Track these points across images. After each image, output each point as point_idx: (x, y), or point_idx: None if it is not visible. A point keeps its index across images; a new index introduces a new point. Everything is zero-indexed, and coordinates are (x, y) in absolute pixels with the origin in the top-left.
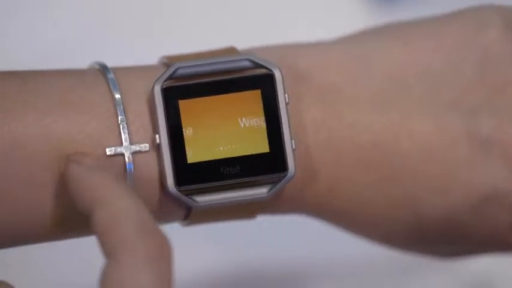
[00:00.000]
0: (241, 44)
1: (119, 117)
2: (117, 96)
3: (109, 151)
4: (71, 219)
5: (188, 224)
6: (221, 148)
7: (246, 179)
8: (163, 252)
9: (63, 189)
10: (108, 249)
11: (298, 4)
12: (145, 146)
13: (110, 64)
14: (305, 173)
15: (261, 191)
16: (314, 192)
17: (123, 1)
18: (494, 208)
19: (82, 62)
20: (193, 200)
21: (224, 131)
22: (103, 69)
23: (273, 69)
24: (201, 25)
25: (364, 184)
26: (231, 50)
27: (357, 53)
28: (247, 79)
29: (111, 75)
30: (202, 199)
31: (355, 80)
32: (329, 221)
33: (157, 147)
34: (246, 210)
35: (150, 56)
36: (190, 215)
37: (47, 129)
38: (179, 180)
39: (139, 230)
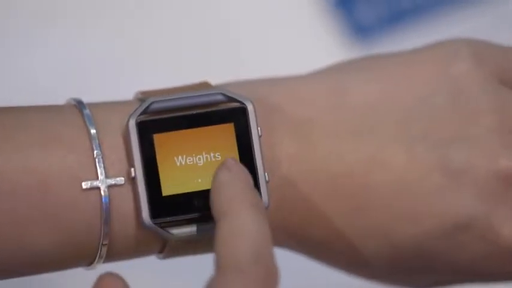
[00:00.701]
0: (215, 80)
1: (95, 152)
2: (93, 131)
3: (85, 185)
4: (55, 250)
5: (164, 257)
6: (195, 181)
7: None
8: (270, 281)
9: (46, 223)
10: (219, 261)
11: (274, 39)
12: (120, 180)
13: (86, 100)
14: (279, 204)
15: None
16: (288, 223)
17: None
18: (467, 237)
19: (62, 98)
20: (168, 233)
21: (198, 163)
22: (79, 104)
23: (245, 103)
24: (178, 65)
25: (336, 215)
26: (205, 85)
27: (329, 86)
28: (220, 113)
29: (86, 111)
30: (177, 231)
31: (327, 112)
32: (302, 253)
33: (132, 181)
34: None
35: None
36: (166, 248)
37: (27, 163)
38: (154, 213)
39: (256, 253)
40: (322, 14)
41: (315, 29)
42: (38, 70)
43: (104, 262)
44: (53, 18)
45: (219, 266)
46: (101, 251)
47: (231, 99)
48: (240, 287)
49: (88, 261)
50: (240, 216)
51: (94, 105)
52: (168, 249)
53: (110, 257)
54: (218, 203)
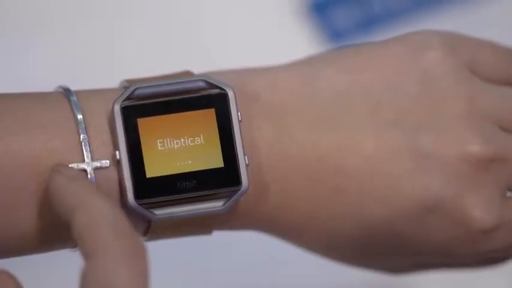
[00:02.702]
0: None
1: (81, 136)
2: (79, 116)
3: (71, 167)
4: (41, 233)
5: (148, 239)
6: (178, 163)
7: (202, 193)
8: (138, 251)
9: (32, 205)
10: (86, 251)
11: (249, 43)
12: (106, 162)
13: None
14: (258, 188)
15: (217, 204)
16: (266, 207)
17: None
18: (436, 219)
19: None
20: (152, 213)
21: (181, 147)
22: (66, 92)
23: (226, 89)
24: (164, 62)
25: (311, 198)
26: (187, 73)
27: (305, 75)
28: (202, 98)
29: (73, 98)
30: (161, 212)
31: (303, 99)
32: (280, 236)
33: (117, 163)
34: (203, 224)
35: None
36: (150, 229)
37: (12, 147)
38: (138, 194)
39: (116, 232)
40: (298, 19)
41: (291, 33)
42: (35, 71)
43: None
44: (48, 20)
45: (86, 254)
46: None
47: (212, 86)
48: (110, 261)
49: (74, 243)
50: (93, 206)
51: (80, 92)
52: (152, 230)
53: None
54: (63, 205)
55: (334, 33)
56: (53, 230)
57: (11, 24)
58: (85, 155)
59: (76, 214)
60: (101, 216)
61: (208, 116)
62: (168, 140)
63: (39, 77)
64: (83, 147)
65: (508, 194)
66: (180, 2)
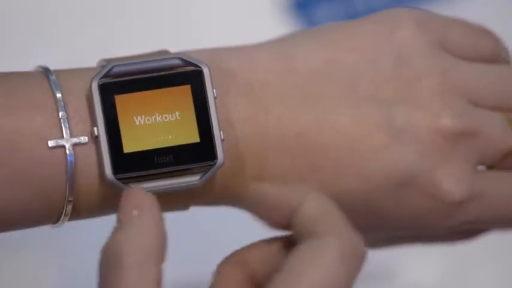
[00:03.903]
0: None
1: (60, 113)
2: (58, 95)
3: (51, 143)
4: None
5: None
6: (155, 139)
7: (179, 167)
8: (357, 252)
9: (13, 179)
10: (318, 230)
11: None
12: (84, 139)
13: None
14: (234, 163)
15: (194, 179)
16: (242, 181)
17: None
18: (410, 192)
19: None
20: (130, 188)
21: (157, 123)
22: (45, 71)
23: (201, 66)
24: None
25: (288, 173)
26: (164, 52)
27: (281, 52)
28: (177, 75)
29: (53, 77)
30: (138, 187)
31: (279, 76)
32: (253, 212)
33: (95, 140)
34: (180, 199)
35: None
36: None
37: None
38: (116, 169)
39: (345, 224)
40: (281, 16)
41: (273, 30)
42: None
43: (69, 220)
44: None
45: (315, 233)
46: (66, 207)
47: (188, 63)
48: (336, 250)
49: (54, 219)
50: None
51: (60, 72)
52: None
53: (76, 215)
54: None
55: None
56: (33, 204)
57: (11, 34)
58: (64, 132)
59: (308, 201)
60: (331, 206)
61: (184, 92)
62: (145, 116)
63: None
64: (62, 124)
65: (479, 167)
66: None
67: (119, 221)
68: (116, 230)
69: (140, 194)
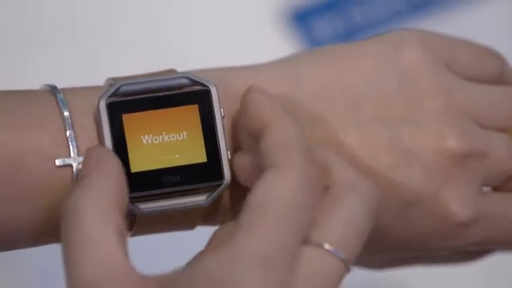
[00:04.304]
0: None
1: (67, 132)
2: (66, 113)
3: (58, 162)
4: (29, 226)
5: (133, 235)
6: (162, 158)
7: (186, 187)
8: (319, 180)
9: (20, 198)
10: (270, 161)
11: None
12: None
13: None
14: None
15: (200, 198)
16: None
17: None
18: (416, 213)
19: None
20: (137, 207)
21: (164, 142)
22: (53, 89)
23: (209, 86)
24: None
25: None
26: (171, 71)
27: (285, 72)
28: (185, 95)
29: (60, 95)
30: (145, 206)
31: (284, 96)
32: None
33: None
34: (187, 218)
35: None
36: (135, 224)
37: (1, 140)
38: None
39: (305, 155)
40: (279, 29)
41: (272, 43)
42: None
43: None
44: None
45: (270, 164)
46: None
47: (195, 83)
48: (294, 178)
49: (60, 237)
50: (286, 126)
51: (67, 90)
52: (137, 225)
53: None
54: (257, 118)
55: (316, 43)
56: (41, 223)
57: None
58: (71, 151)
59: (271, 128)
60: (295, 138)
61: (191, 112)
62: (153, 135)
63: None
64: (70, 143)
65: (485, 189)
66: (166, 14)
67: (80, 176)
68: (76, 184)
69: (101, 151)
